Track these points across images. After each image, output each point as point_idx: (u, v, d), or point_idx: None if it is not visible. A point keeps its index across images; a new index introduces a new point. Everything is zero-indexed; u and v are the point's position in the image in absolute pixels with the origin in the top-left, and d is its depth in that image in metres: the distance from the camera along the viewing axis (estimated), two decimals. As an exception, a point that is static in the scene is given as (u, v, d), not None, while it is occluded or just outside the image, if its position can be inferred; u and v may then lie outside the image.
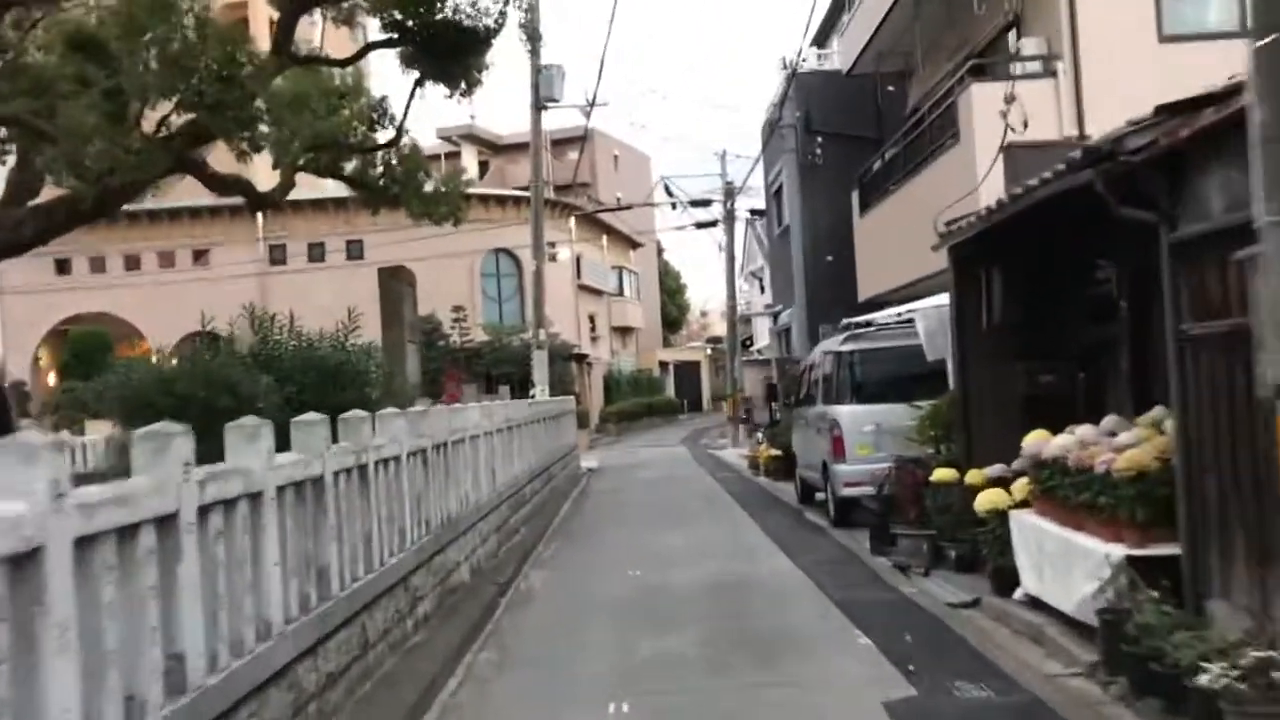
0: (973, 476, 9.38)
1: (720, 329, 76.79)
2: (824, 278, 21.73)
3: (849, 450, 12.31)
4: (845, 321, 14.02)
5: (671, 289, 69.19)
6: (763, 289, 35.87)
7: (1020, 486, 8.06)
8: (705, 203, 30.00)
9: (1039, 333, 9.59)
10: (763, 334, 37.46)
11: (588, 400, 39.56)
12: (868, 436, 12.27)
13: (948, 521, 9.51)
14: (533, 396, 25.75)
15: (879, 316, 12.77)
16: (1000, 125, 12.62)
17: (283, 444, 5.89)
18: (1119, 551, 6.14)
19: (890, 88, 21.34)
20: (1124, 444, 6.56)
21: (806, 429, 14.17)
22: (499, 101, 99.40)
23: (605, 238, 47.40)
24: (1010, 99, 9.68)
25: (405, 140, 23.99)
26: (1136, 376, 8.47)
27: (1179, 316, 5.95)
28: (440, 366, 32.95)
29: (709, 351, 59.51)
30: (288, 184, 22.78)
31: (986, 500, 8.19)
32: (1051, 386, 9.57)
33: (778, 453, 18.94)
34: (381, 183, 24.16)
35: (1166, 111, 6.07)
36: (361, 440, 7.35)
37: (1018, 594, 7.72)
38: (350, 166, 24.35)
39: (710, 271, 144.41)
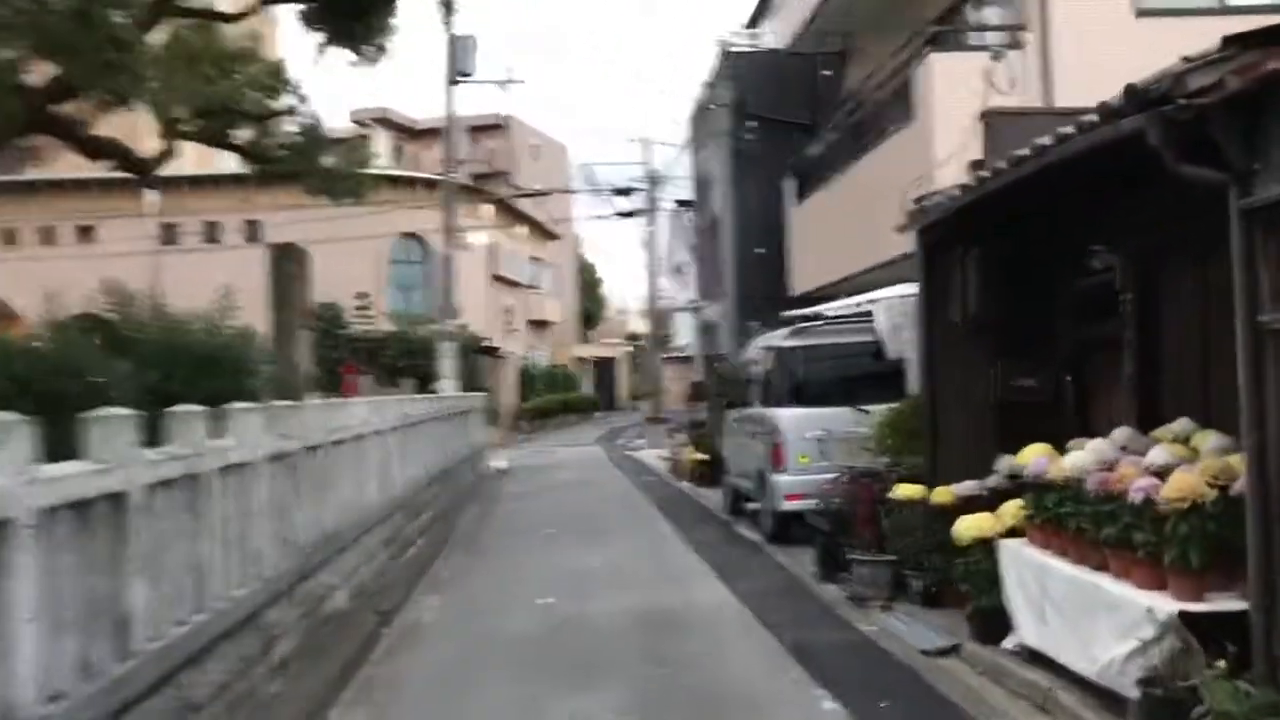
0: (940, 494, 8.07)
1: (639, 326, 75.50)
2: (754, 271, 20.39)
3: (790, 459, 10.94)
4: (790, 314, 12.62)
5: (590, 284, 67.66)
6: (686, 284, 34.55)
7: (1011, 510, 6.73)
8: (627, 191, 28.59)
9: (1020, 330, 8.31)
10: (685, 330, 36.12)
11: (501, 396, 37.84)
12: (812, 444, 10.92)
13: (911, 546, 8.17)
14: (432, 391, 24.09)
15: (830, 308, 11.43)
16: (962, 98, 11.41)
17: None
18: (1167, 606, 4.81)
19: (827, 72, 20.09)
20: (1162, 465, 5.23)
21: (740, 433, 12.79)
22: (414, 86, 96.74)
23: (523, 228, 45.69)
24: (997, 55, 8.36)
25: (305, 110, 22.28)
26: (1143, 382, 7.20)
27: (1255, 305, 4.61)
28: (341, 358, 30.99)
29: (628, 348, 58.14)
30: (170, 151, 20.87)
31: (971, 526, 6.84)
32: (1032, 392, 8.30)
33: (703, 457, 17.57)
34: (278, 155, 22.41)
35: (1237, 44, 4.75)
36: (196, 442, 5.71)
37: (1008, 642, 6.39)
38: (243, 136, 22.51)
39: (630, 269, 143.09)
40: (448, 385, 24.72)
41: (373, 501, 10.48)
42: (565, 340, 51.92)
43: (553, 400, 42.75)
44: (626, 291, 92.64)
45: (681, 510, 14.88)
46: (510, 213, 44.09)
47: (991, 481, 8.07)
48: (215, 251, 35.42)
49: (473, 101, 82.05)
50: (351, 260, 35.46)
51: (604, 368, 54.94)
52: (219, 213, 35.83)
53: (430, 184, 37.99)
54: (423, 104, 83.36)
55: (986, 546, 6.78)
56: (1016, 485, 7.88)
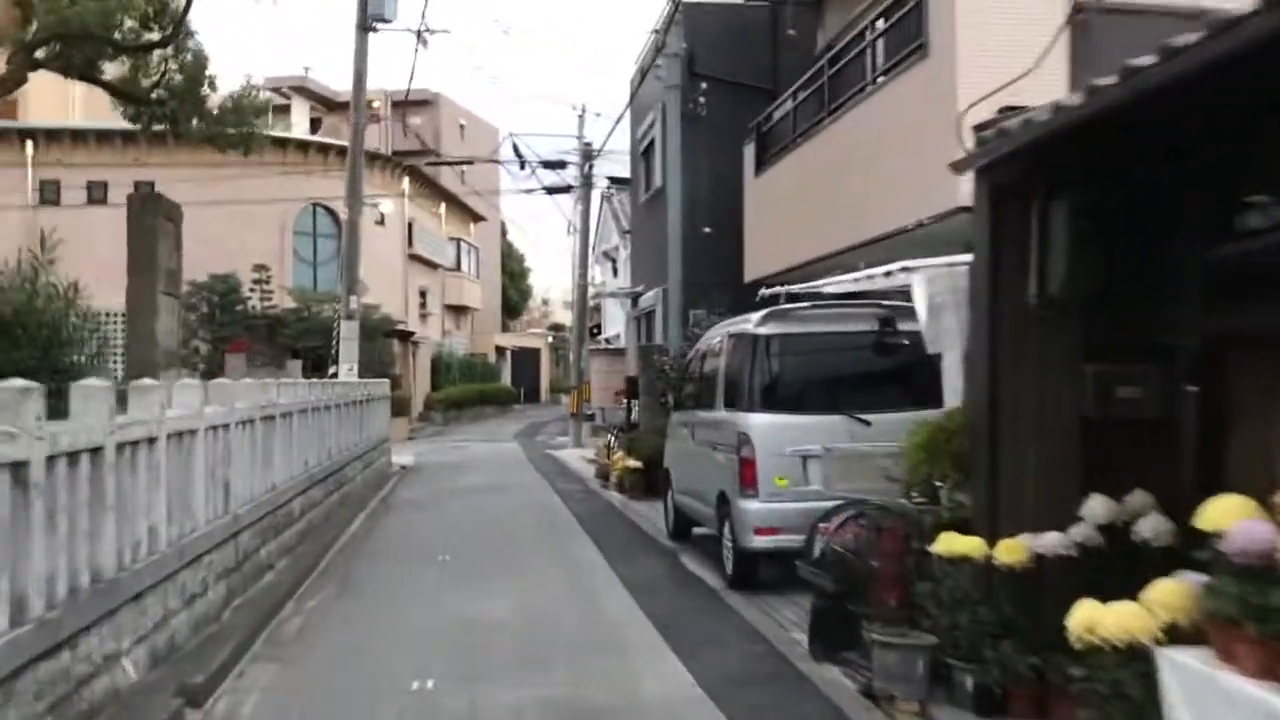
0: (1008, 551, 5.49)
1: (564, 318, 72.57)
2: (701, 254, 17.74)
3: (764, 480, 8.29)
4: (767, 292, 9.90)
5: (514, 272, 64.55)
6: (615, 271, 31.81)
7: (1171, 599, 4.13)
8: (559, 164, 25.75)
9: (1122, 315, 5.76)
10: (615, 320, 33.39)
11: (410, 384, 34.76)
12: (793, 463, 8.28)
13: (962, 625, 5.57)
14: (331, 375, 21.07)
15: (826, 284, 8.81)
16: (994, 17, 8.93)
17: None
18: None
19: (792, 31, 17.47)
20: None
21: (691, 442, 10.09)
22: (335, 56, 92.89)
23: (444, 206, 42.58)
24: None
25: (189, 44, 19.09)
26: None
27: None
28: (229, 335, 27.74)
29: (550, 339, 55.27)
30: (17, 78, 17.56)
31: (1106, 621, 4.22)
32: (1135, 406, 5.75)
33: (636, 464, 14.87)
34: (154, 95, 19.18)
35: None
36: None
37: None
38: (113, 71, 19.26)
39: (555, 258, 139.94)
40: (346, 370, 21.71)
41: (200, 521, 7.61)
42: (486, 328, 48.89)
43: (469, 391, 39.74)
44: (552, 282, 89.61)
45: (612, 531, 12.14)
46: (430, 189, 40.96)
47: (1078, 534, 5.52)
48: (102, 212, 31.82)
49: (400, 77, 78.44)
50: (253, 229, 32.15)
51: (525, 359, 51.99)
52: (107, 170, 32.15)
53: (343, 152, 34.77)
54: (346, 76, 79.38)
55: (1128, 653, 4.18)
56: (1117, 542, 5.38)
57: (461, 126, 54.65)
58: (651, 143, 19.94)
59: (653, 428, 15.68)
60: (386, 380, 22.60)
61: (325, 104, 52.95)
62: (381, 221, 35.54)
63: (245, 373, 19.33)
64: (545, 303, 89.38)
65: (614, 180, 25.87)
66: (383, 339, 31.27)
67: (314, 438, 13.03)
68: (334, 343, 23.45)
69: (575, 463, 21.47)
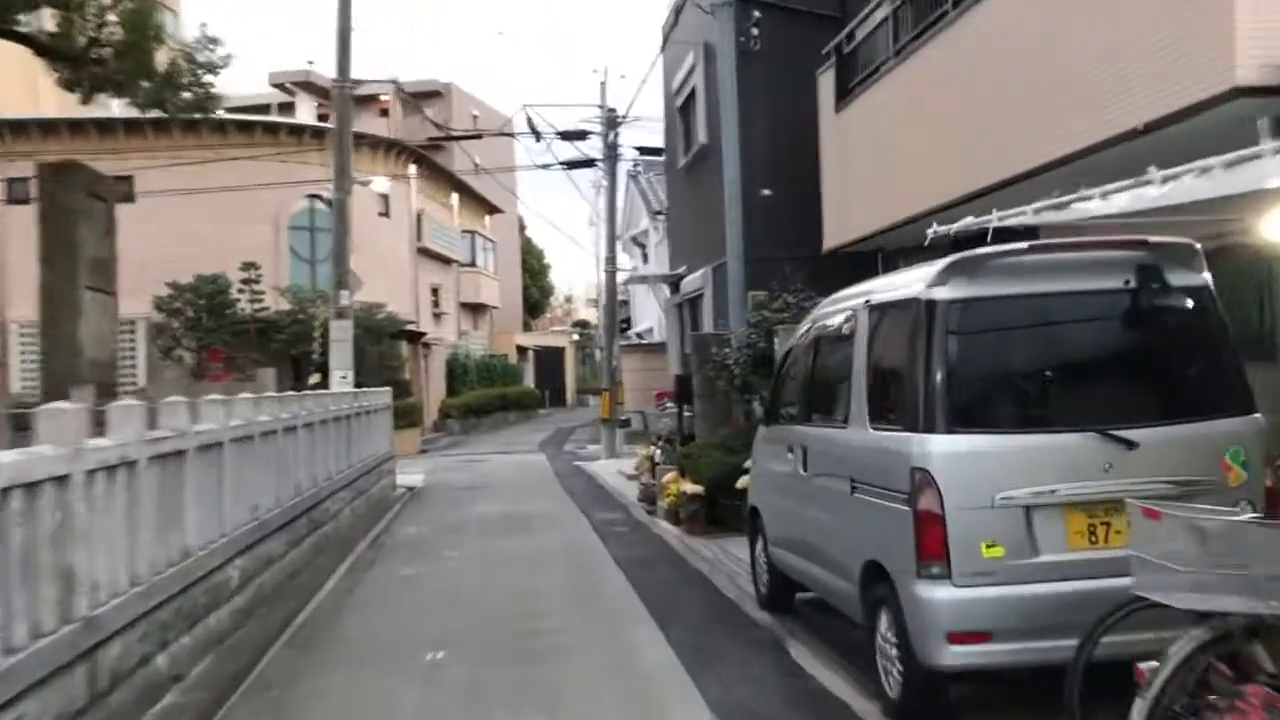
0: None
1: (588, 315, 69.06)
2: (759, 222, 14.21)
3: (959, 548, 4.78)
4: (944, 231, 6.24)
5: (534, 270, 61.12)
6: (645, 258, 28.30)
7: None
8: (579, 135, 22.29)
9: None
10: (646, 312, 29.90)
11: (423, 390, 31.40)
12: (1009, 517, 4.79)
13: None
14: (313, 385, 17.73)
15: (1033, 213, 5.30)
16: None
17: None
18: None
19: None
20: None
21: (801, 472, 6.56)
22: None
23: (456, 197, 39.22)
24: None
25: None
26: None
27: None
28: (210, 343, 24.48)
29: (575, 337, 51.85)
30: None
31: None
32: None
33: (695, 489, 11.37)
34: (92, 54, 15.85)
35: None
36: None
37: None
38: (35, 22, 15.95)
39: (577, 254, 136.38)
40: (339, 377, 18.35)
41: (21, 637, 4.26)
42: (506, 327, 45.51)
43: (489, 395, 36.35)
44: (574, 279, 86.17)
45: (678, 594, 8.58)
46: (441, 178, 37.60)
47: None
48: (74, 212, 28.58)
49: (411, 68, 75.23)
50: (244, 226, 28.83)
51: (549, 359, 48.57)
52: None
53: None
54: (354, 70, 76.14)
55: None
56: None
57: (474, 118, 51.23)
58: (692, 93, 16.43)
59: (715, 440, 12.21)
60: (388, 389, 19.20)
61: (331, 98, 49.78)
62: (386, 212, 32.22)
63: (189, 390, 16.03)
64: (568, 300, 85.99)
65: (643, 151, 22.42)
66: (389, 341, 27.90)
67: (269, 472, 9.63)
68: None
69: (612, 479, 18.00)
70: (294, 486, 10.63)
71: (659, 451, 14.72)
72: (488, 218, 44.02)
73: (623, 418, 22.48)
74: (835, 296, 6.62)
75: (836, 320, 6.26)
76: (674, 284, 18.22)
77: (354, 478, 14.46)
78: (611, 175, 22.28)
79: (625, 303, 31.97)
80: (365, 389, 17.56)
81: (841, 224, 11.78)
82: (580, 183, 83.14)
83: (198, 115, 15.85)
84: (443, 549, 11.40)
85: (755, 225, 14.08)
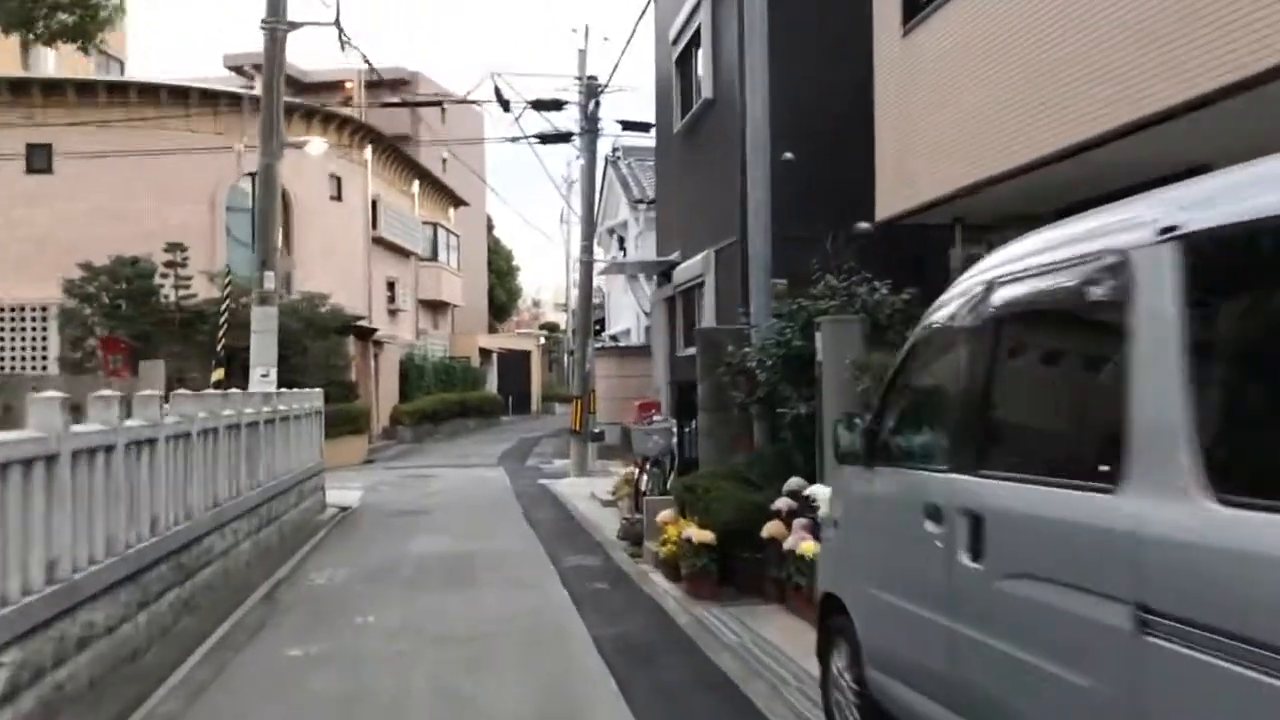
0: None
1: (557, 319, 65.79)
2: (777, 194, 11.14)
3: None
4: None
5: (502, 270, 57.79)
6: (624, 251, 25.21)
7: None
8: (553, 104, 19.16)
9: None
10: (623, 313, 26.80)
11: (371, 393, 28.11)
12: None
13: None
14: (215, 384, 14.57)
15: None
16: None
17: None
18: None
19: None
20: None
21: (963, 561, 3.50)
22: (306, 37, 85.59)
23: (417, 184, 35.98)
24: None
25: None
26: None
27: None
28: (139, 333, 21.23)
29: (542, 340, 48.61)
30: None
31: None
32: None
33: (703, 537, 8.25)
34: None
35: None
36: None
37: None
38: None
39: (546, 257, 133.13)
40: (260, 376, 15.17)
41: None
42: (469, 328, 42.23)
43: (446, 400, 33.09)
44: (542, 281, 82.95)
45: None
46: (401, 163, 34.36)
47: None
48: (-19, 183, 25.15)
49: (377, 54, 71.68)
50: (177, 204, 25.41)
51: (513, 362, 45.30)
52: (-11, 131, 25.39)
53: (288, 112, 28.11)
54: (317, 57, 72.23)
55: None
56: None
57: (443, 110, 47.92)
58: (694, 38, 13.38)
59: (726, 469, 9.13)
60: (318, 390, 15.99)
61: (294, 85, 46.38)
62: (338, 195, 28.95)
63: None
64: (536, 304, 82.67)
65: (626, 126, 19.34)
66: (334, 337, 24.64)
67: (97, 506, 6.48)
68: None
69: (583, 504, 14.89)
70: (147, 523, 7.46)
71: (646, 478, 11.63)
72: (452, 210, 40.81)
73: (596, 430, 19.36)
74: (1036, 240, 3.55)
75: (1064, 280, 3.19)
76: (664, 273, 15.15)
77: (262, 500, 11.30)
78: (591, 151, 19.17)
79: (599, 304, 28.88)
80: (288, 390, 14.38)
81: (903, 185, 8.76)
82: (550, 174, 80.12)
83: (80, 43, 12.55)
84: (356, 611, 8.24)
85: (773, 197, 11.01)
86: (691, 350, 13.60)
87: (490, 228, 55.11)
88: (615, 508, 14.23)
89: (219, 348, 15.94)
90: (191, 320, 22.53)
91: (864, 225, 10.51)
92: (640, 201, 23.56)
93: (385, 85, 41.62)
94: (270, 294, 15.52)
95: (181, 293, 22.68)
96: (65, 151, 25.27)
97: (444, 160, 43.97)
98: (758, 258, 9.41)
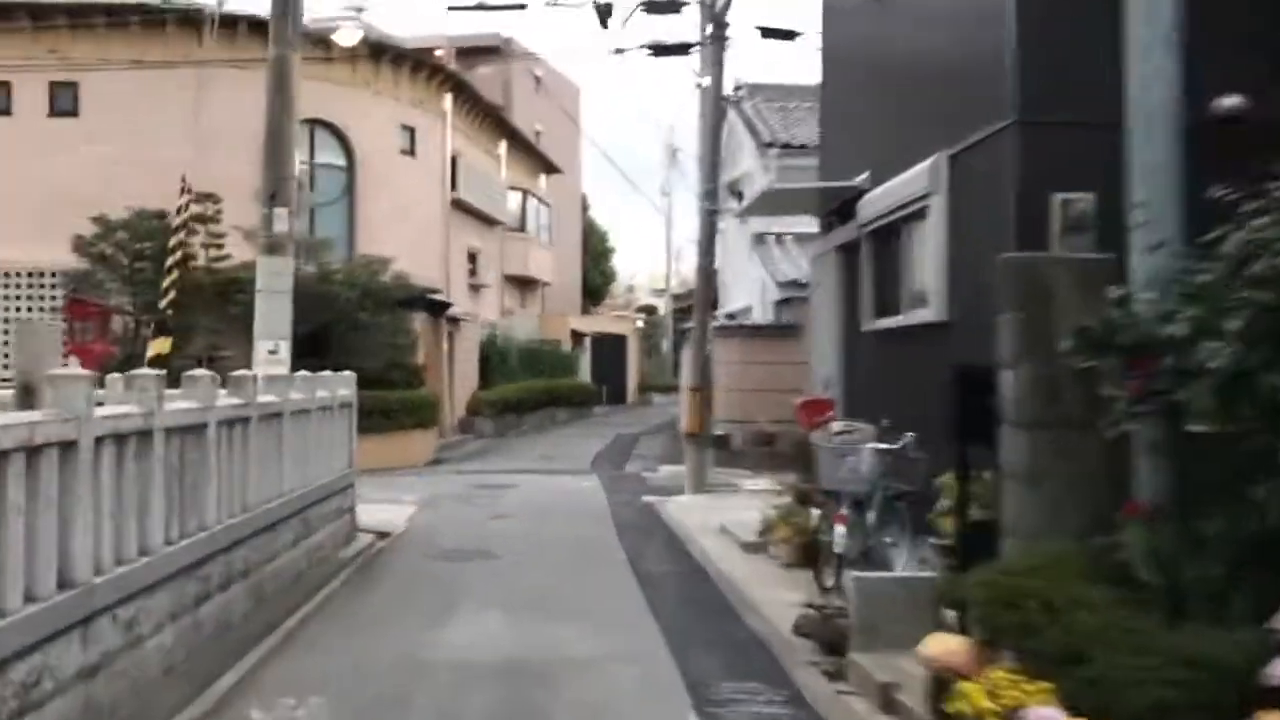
0: None
1: (654, 306, 60.80)
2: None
3: None
4: None
5: (597, 252, 53.16)
6: (741, 201, 20.21)
7: None
8: (672, 5, 14.35)
9: None
10: (739, 289, 21.87)
11: (445, 379, 23.66)
12: None
13: None
14: (151, 359, 10.07)
15: None
16: None
17: None
18: None
19: None
20: None
21: None
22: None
23: (505, 145, 31.46)
24: None
25: None
26: None
27: None
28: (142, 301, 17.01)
29: (640, 323, 43.86)
30: None
31: None
32: None
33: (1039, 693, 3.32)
34: None
35: None
36: None
37: None
38: None
39: (643, 240, 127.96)
40: (267, 351, 10.74)
41: None
42: (559, 308, 37.69)
43: (533, 389, 28.56)
44: (636, 269, 78.11)
45: None
46: (486, 119, 29.85)
47: None
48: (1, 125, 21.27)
49: (464, 19, 67.50)
50: (219, 154, 21.06)
51: (608, 348, 40.62)
52: (10, 68, 21.45)
53: (355, 58, 23.76)
54: (410, 23, 68.24)
55: None
56: None
57: (537, 79, 43.45)
58: None
59: (1075, 554, 4.15)
60: (347, 375, 11.39)
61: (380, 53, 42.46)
62: (410, 150, 24.51)
63: None
64: (630, 289, 77.98)
65: (769, 33, 14.32)
66: (398, 311, 20.19)
67: None
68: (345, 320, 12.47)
69: (714, 548, 10.06)
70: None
71: (842, 531, 6.76)
72: (543, 178, 36.28)
73: (719, 433, 14.56)
74: None
75: None
76: (835, 212, 10.15)
77: (211, 551, 6.72)
78: (717, 65, 14.25)
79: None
80: (308, 375, 9.83)
81: None
82: (651, 148, 75.55)
83: None
84: None
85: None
86: (892, 321, 8.66)
87: (585, 207, 50.59)
88: (766, 555, 9.42)
89: (162, 303, 11.44)
90: (225, 287, 18.25)
91: (1233, 99, 5.63)
92: (771, 145, 18.67)
93: (476, 53, 37.34)
94: (281, 240, 11.03)
95: (214, 253, 18.43)
96: (93, 92, 21.22)
97: (537, 133, 39.55)
98: (1159, 138, 4.42)
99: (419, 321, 21.34)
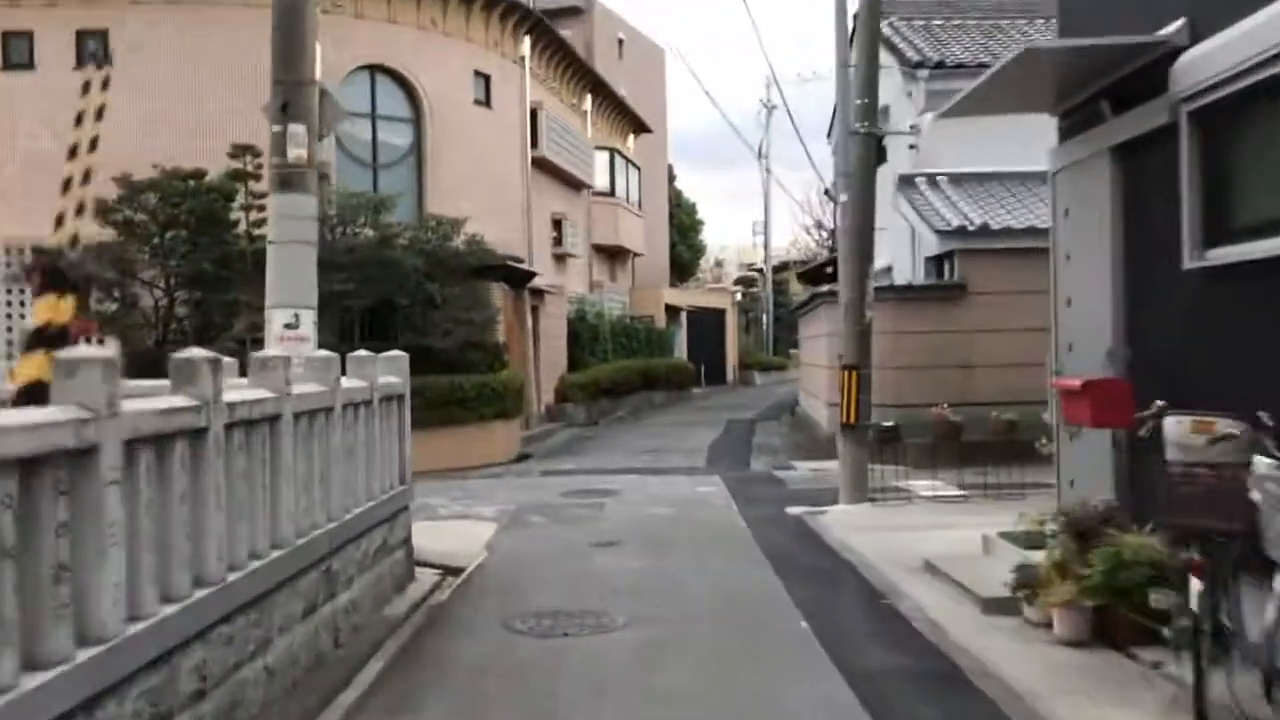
0: None
1: (738, 285, 56.89)
2: None
3: None
4: None
5: (684, 225, 49.64)
6: (882, 155, 16.54)
7: None
8: None
9: None
10: (879, 244, 18.19)
11: (530, 359, 20.49)
12: None
13: None
14: (31, 337, 6.73)
15: None
16: None
17: None
18: None
19: None
20: None
21: None
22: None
23: (590, 100, 28.17)
24: None
25: None
26: None
27: None
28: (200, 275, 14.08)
29: (739, 297, 40.31)
30: None
31: None
32: None
33: None
34: None
35: None
36: None
37: None
38: None
39: (727, 218, 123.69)
40: (282, 325, 7.52)
41: None
42: (650, 281, 34.36)
43: (628, 369, 25.32)
44: (724, 244, 74.16)
45: None
46: (571, 69, 26.57)
47: None
48: (24, 81, 18.55)
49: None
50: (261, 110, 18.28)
51: (705, 323, 37.16)
52: (33, 15, 18.72)
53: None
54: None
55: None
56: None
57: (620, 42, 40.12)
58: None
59: None
60: (398, 356, 8.13)
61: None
62: (485, 100, 21.32)
63: None
64: (719, 264, 74.29)
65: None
66: (474, 282, 17.03)
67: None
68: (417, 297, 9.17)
69: (943, 615, 6.55)
70: None
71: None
72: (632, 137, 32.94)
73: (883, 425, 11.04)
74: None
75: None
76: (1106, 92, 6.56)
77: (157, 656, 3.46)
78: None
79: (829, 238, 20.45)
80: (313, 356, 6.62)
81: None
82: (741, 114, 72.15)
83: None
84: None
85: None
86: (1262, 247, 5.09)
87: (671, 177, 47.07)
88: (1021, 620, 5.95)
89: (268, 291, 8.30)
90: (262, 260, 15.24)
91: None
92: (921, 65, 15.01)
93: (557, 14, 34.20)
94: (299, 170, 7.82)
95: (255, 216, 15.46)
96: (125, 43, 18.37)
97: (622, 95, 36.28)
98: None
99: (498, 294, 18.16)
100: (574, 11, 37.65)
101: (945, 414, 11.22)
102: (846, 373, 11.27)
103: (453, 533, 10.05)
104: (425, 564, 8.60)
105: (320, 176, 8.74)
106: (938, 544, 8.21)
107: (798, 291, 46.50)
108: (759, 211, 67.04)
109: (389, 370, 8.10)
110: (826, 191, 38.75)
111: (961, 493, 11.01)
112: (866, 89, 11.28)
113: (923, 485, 11.47)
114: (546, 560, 8.59)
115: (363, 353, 7.43)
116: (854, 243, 11.38)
